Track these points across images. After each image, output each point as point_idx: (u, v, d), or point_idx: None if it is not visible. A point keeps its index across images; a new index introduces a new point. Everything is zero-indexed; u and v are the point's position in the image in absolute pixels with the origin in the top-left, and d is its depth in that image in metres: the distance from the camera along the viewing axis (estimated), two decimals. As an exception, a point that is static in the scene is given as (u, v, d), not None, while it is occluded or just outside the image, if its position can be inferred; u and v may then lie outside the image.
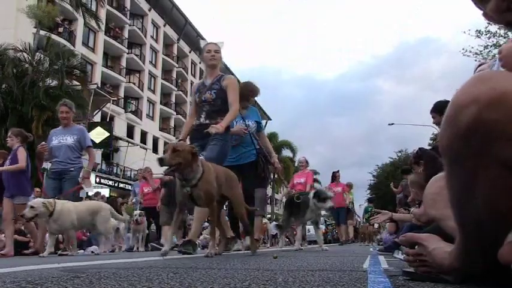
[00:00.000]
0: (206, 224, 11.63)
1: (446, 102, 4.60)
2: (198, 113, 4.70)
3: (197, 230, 4.80)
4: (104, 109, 26.82)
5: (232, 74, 53.38)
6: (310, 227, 12.55)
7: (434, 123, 4.98)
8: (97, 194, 16.14)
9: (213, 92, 4.55)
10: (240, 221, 4.69)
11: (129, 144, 29.96)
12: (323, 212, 13.36)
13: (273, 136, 43.09)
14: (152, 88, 37.71)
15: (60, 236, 7.84)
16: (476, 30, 17.53)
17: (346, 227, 13.29)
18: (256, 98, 6.99)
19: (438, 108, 4.67)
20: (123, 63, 34.21)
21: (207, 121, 4.48)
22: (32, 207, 5.42)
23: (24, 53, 17.88)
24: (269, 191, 48.01)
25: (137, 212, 9.98)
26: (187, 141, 4.54)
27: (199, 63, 45.55)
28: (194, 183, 3.47)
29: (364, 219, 18.72)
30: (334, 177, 12.80)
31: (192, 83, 44.04)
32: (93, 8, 24.27)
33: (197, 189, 3.49)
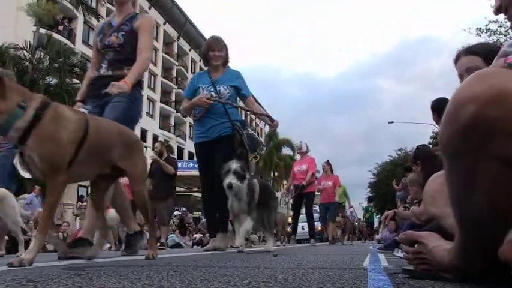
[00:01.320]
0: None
1: (445, 100, 4.61)
2: (99, 63, 3.68)
3: (90, 224, 3.32)
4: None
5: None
6: (304, 224, 11.59)
7: (434, 119, 4.96)
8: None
9: (120, 35, 3.61)
10: (139, 208, 3.31)
11: (129, 143, 29.88)
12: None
13: (273, 134, 43.11)
14: (152, 86, 37.68)
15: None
16: (477, 28, 17.54)
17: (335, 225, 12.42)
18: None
19: (436, 106, 4.68)
20: (123, 61, 34.14)
21: (109, 72, 3.55)
22: None
23: (24, 51, 17.88)
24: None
25: None
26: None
27: (200, 61, 45.52)
28: (16, 136, 2.12)
29: (364, 218, 18.72)
30: (325, 169, 11.47)
31: (192, 81, 44.03)
32: (93, 6, 24.21)
33: (27, 149, 2.15)
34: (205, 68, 5.13)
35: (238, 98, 5.03)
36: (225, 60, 4.95)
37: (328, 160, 11.69)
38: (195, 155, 5.72)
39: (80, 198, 16.68)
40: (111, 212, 8.43)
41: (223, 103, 4.67)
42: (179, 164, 11.60)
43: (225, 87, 4.78)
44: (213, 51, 4.86)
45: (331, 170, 11.57)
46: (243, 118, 5.65)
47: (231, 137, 4.66)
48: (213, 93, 4.73)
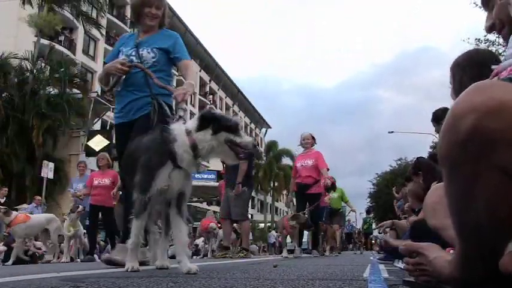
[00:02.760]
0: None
1: (445, 110, 4.63)
2: None
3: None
4: (104, 117, 26.80)
5: (233, 83, 53.09)
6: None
7: (436, 131, 4.97)
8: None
9: None
10: None
11: (129, 152, 29.86)
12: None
13: (272, 144, 43.18)
14: (152, 96, 37.75)
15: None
16: (476, 39, 17.63)
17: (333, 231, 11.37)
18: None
19: (437, 117, 4.69)
20: (124, 71, 34.27)
21: None
22: None
23: (26, 60, 17.98)
24: (268, 198, 48.07)
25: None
26: None
27: (200, 71, 45.73)
28: None
29: (363, 229, 18.61)
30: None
31: (192, 91, 44.09)
32: (94, 16, 24.36)
33: None
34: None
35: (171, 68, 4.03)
36: (162, 22, 3.99)
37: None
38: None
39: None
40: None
41: (139, 68, 3.61)
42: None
43: (149, 50, 3.76)
44: (150, 7, 3.87)
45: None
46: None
47: (147, 118, 3.53)
48: (133, 58, 3.71)
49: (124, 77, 3.69)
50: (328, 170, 7.95)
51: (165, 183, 2.50)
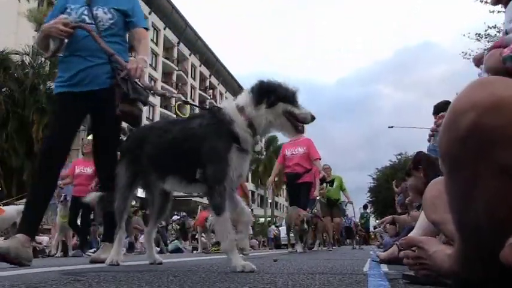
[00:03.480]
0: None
1: (446, 103, 4.62)
2: None
3: None
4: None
5: (233, 78, 52.97)
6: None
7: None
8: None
9: None
10: None
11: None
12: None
13: (272, 139, 43.14)
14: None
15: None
16: (476, 34, 17.57)
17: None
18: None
19: (438, 110, 4.68)
20: (124, 66, 34.26)
21: None
22: None
23: (27, 55, 17.95)
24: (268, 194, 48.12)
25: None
26: None
27: (200, 66, 45.64)
28: None
29: (360, 224, 18.61)
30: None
31: (192, 86, 44.13)
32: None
33: None
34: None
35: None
36: None
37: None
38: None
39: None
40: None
41: (86, 30, 3.11)
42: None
43: (106, 9, 3.25)
44: None
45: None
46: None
47: (110, 92, 3.06)
48: (86, 17, 3.20)
49: (67, 40, 3.18)
50: (320, 159, 7.47)
51: (238, 170, 2.26)
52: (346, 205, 12.37)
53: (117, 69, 3.08)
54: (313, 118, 2.36)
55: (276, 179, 7.97)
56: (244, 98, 2.30)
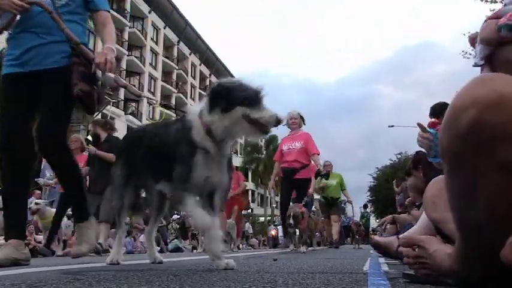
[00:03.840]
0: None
1: (442, 105, 4.63)
2: None
3: None
4: (104, 111, 26.82)
5: (233, 78, 53.69)
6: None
7: None
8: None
9: None
10: None
11: (129, 147, 29.90)
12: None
13: (273, 138, 43.14)
14: (152, 90, 37.73)
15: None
16: (476, 32, 17.58)
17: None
18: None
19: (434, 112, 4.69)
20: (123, 65, 34.25)
21: None
22: None
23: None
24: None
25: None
26: None
27: (200, 65, 45.62)
28: None
29: (361, 224, 18.63)
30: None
31: (192, 85, 44.11)
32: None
33: None
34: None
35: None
36: None
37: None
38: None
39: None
40: None
41: (41, 7, 2.85)
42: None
43: None
44: None
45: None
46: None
47: (67, 71, 2.84)
48: None
49: (19, 16, 2.93)
50: (318, 154, 6.98)
51: (204, 173, 2.19)
52: (345, 203, 11.98)
53: (78, 47, 2.87)
54: (278, 121, 2.13)
55: (277, 178, 7.49)
56: (203, 104, 2.22)
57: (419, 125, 2.09)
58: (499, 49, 1.46)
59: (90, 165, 6.60)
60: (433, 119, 2.77)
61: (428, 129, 2.05)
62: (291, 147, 6.87)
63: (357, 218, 16.73)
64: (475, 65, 1.58)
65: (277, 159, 7.14)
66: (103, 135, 6.65)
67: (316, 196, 10.07)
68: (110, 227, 6.71)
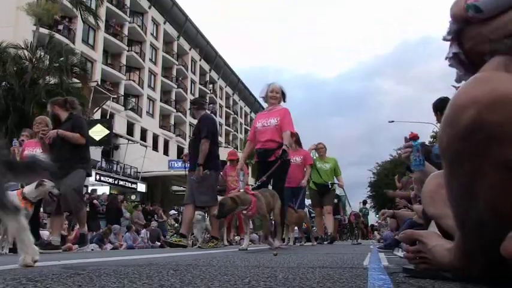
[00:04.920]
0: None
1: (443, 99, 4.62)
2: None
3: None
4: (104, 106, 26.83)
5: (233, 73, 52.76)
6: None
7: (437, 119, 4.91)
8: (93, 191, 16.17)
9: None
10: None
11: (129, 142, 29.97)
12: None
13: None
14: (152, 85, 37.69)
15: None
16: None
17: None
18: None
19: (435, 107, 4.69)
20: (123, 60, 34.21)
21: None
22: None
23: (25, 50, 17.89)
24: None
25: None
26: None
27: (200, 60, 45.52)
28: None
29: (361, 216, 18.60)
30: (296, 139, 8.13)
31: (192, 80, 44.04)
32: (93, 5, 24.21)
33: None
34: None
35: None
36: None
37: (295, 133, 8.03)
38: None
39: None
40: None
41: None
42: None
43: None
44: None
45: (299, 143, 8.56)
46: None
47: None
48: None
49: None
50: (293, 134, 6.26)
51: None
52: (332, 187, 9.52)
53: None
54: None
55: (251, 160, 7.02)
56: None
57: (404, 138, 2.17)
58: (467, 27, 1.43)
59: (53, 149, 5.78)
60: (413, 133, 2.94)
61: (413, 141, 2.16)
62: (265, 124, 5.99)
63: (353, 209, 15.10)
64: (444, 39, 1.56)
65: (250, 139, 6.38)
66: (63, 115, 6.00)
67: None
68: (83, 218, 6.09)
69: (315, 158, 9.15)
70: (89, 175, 6.14)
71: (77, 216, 6.03)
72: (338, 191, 10.34)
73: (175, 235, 6.72)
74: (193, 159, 6.52)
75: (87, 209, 13.26)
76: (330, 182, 9.12)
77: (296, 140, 8.32)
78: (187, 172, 6.74)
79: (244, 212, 4.82)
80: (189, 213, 6.53)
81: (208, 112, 7.26)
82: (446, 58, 1.51)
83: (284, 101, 6.25)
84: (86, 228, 6.00)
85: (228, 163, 9.24)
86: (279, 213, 5.39)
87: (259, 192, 5.08)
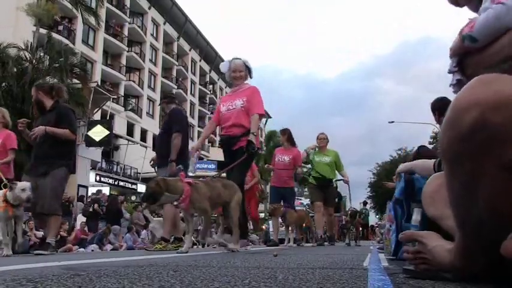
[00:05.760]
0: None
1: (440, 99, 4.63)
2: None
3: None
4: (103, 107, 26.81)
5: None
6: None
7: (435, 120, 4.93)
8: (99, 192, 16.16)
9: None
10: None
11: (129, 143, 29.98)
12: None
13: (273, 134, 43.14)
14: (152, 86, 37.70)
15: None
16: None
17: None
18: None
19: (433, 107, 4.70)
20: (123, 61, 34.21)
21: None
22: None
23: (25, 51, 17.90)
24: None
25: None
26: None
27: (199, 61, 45.53)
28: None
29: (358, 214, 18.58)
30: (280, 139, 7.91)
31: (192, 81, 44.04)
32: (93, 6, 24.21)
33: None
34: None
35: None
36: None
37: (287, 128, 7.94)
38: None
39: (80, 198, 16.67)
40: None
41: None
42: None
43: None
44: None
45: (291, 141, 7.98)
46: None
47: None
48: None
49: None
50: (263, 116, 5.43)
51: None
52: (335, 183, 8.90)
53: None
54: None
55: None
56: None
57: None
58: (466, 56, 1.50)
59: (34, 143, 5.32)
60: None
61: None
62: (230, 107, 5.18)
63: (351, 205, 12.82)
64: (449, 72, 1.64)
65: (214, 120, 5.56)
66: (48, 103, 5.43)
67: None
68: (58, 220, 5.42)
69: (314, 152, 8.41)
70: (72, 172, 5.47)
71: (49, 220, 5.20)
72: (342, 191, 9.65)
73: (160, 242, 5.77)
74: (162, 155, 5.89)
75: (90, 210, 13.29)
76: (334, 180, 8.45)
77: (288, 137, 7.92)
78: (156, 171, 6.13)
79: (175, 203, 3.92)
80: (169, 213, 5.82)
81: (179, 106, 6.78)
82: (450, 85, 1.58)
83: (250, 77, 5.49)
84: (54, 239, 5.24)
85: None
86: (237, 207, 4.30)
87: (202, 181, 4.21)
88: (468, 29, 1.49)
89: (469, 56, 1.48)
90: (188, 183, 3.88)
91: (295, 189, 8.65)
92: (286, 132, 7.91)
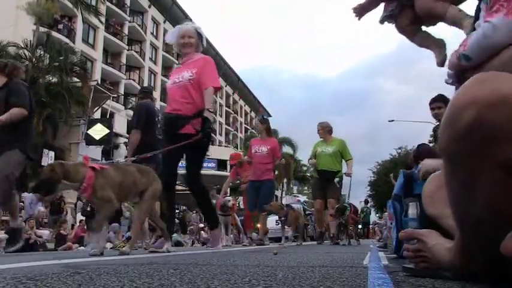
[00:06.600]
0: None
1: (438, 96, 4.64)
2: None
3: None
4: (103, 106, 26.79)
5: (233, 72, 52.78)
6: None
7: (433, 115, 4.91)
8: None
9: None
10: None
11: (129, 141, 29.92)
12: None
13: (273, 133, 43.20)
14: (152, 85, 37.68)
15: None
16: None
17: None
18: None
19: (430, 103, 4.72)
20: (123, 59, 34.18)
21: None
22: None
23: (25, 49, 17.89)
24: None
25: None
26: None
27: (200, 59, 45.50)
28: None
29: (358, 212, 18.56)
30: (258, 128, 7.69)
31: (192, 79, 43.96)
32: (94, 4, 24.17)
33: None
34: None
35: None
36: None
37: (266, 118, 7.59)
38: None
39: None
40: None
41: None
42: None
43: None
44: None
45: (268, 130, 7.53)
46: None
47: None
48: None
49: None
50: (218, 90, 4.59)
51: None
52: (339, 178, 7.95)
53: None
54: None
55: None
56: None
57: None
58: (464, 73, 1.56)
59: None
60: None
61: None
62: (177, 80, 4.41)
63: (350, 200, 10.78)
64: (446, 82, 1.70)
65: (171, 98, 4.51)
66: (1, 80, 4.79)
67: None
68: (15, 210, 4.99)
69: (317, 143, 7.99)
70: (30, 158, 4.81)
71: (5, 208, 4.81)
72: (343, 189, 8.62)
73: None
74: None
75: (88, 209, 13.26)
76: (338, 176, 7.77)
77: (266, 127, 7.39)
78: None
79: (77, 191, 3.39)
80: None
81: (150, 101, 6.49)
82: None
83: (203, 46, 4.84)
84: (19, 221, 4.92)
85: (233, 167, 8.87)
86: (154, 197, 3.74)
87: (114, 166, 3.61)
88: (462, 48, 1.54)
89: (467, 72, 1.52)
90: (92, 168, 3.28)
91: (274, 184, 7.89)
92: (266, 122, 7.46)
